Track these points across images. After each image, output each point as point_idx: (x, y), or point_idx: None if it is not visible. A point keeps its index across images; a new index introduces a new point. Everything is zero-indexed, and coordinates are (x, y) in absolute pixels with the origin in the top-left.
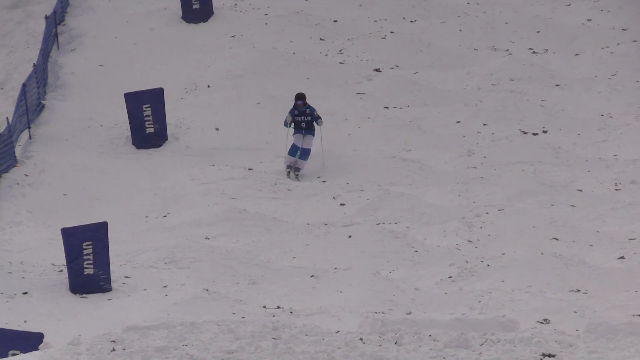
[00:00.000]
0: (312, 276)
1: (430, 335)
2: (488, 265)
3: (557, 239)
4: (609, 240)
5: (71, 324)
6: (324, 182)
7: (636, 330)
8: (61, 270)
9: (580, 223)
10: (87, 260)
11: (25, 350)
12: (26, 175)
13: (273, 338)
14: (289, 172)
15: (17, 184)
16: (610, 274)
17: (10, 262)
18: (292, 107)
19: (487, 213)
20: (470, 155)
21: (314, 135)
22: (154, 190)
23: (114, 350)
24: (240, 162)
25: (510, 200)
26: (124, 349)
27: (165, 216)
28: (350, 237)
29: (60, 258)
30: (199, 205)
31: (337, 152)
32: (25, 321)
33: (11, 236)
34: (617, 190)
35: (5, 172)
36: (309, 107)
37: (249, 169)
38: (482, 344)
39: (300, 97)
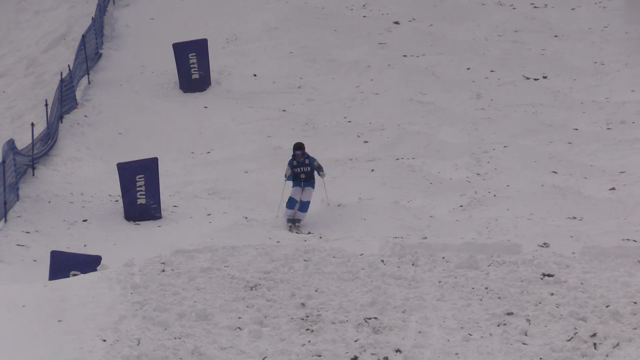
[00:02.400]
0: (339, 205)
1: (443, 258)
2: (494, 195)
3: (556, 172)
4: (602, 173)
5: (126, 248)
6: (349, 121)
7: (625, 253)
8: (117, 201)
9: (576, 158)
10: (140, 192)
11: (84, 271)
12: (85, 116)
13: (304, 260)
14: (290, 226)
15: (78, 123)
16: (602, 203)
17: (72, 193)
18: (290, 157)
19: (494, 149)
20: (479, 98)
21: (313, 187)
22: (199, 129)
23: (163, 271)
24: (275, 105)
25: (514, 138)
26: (172, 270)
27: (209, 152)
28: (372, 170)
29: (116, 189)
30: (238, 142)
31: (362, 96)
32: (85, 245)
33: (72, 170)
34: (608, 129)
35: (67, 114)
36: (309, 157)
37: (283, 111)
38: (489, 265)
39: (299, 147)
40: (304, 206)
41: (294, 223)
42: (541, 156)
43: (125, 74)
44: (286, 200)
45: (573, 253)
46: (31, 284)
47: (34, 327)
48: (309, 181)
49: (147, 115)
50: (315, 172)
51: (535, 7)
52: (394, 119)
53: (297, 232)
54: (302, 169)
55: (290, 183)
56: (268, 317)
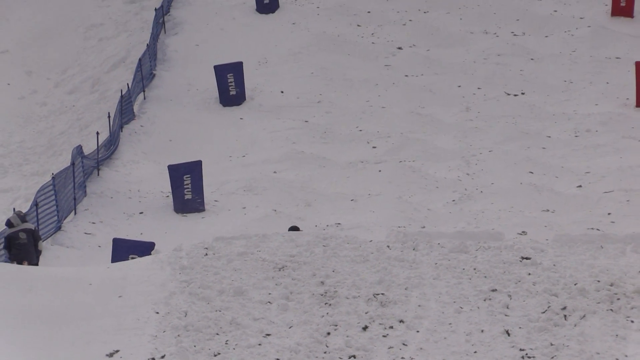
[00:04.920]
0: (352, 200)
1: (438, 243)
2: (481, 192)
3: (532, 173)
4: (570, 174)
5: (175, 235)
6: (360, 130)
7: (590, 240)
8: (167, 196)
9: (548, 161)
10: (187, 189)
11: (141, 255)
12: (141, 126)
13: (323, 245)
14: None
15: (135, 132)
16: (571, 198)
17: (130, 190)
18: None
19: (481, 153)
20: (468, 111)
21: None
22: (235, 137)
23: (206, 254)
24: (299, 116)
25: (497, 144)
26: (214, 254)
27: (244, 156)
28: (380, 171)
29: (167, 187)
30: (268, 148)
31: (371, 109)
32: (141, 233)
33: (130, 171)
34: (576, 136)
35: (127, 124)
36: None
37: (305, 121)
38: (477, 250)
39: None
40: None
41: None
42: (520, 159)
43: (174, 91)
44: None
45: (547, 240)
46: (96, 265)
47: (99, 302)
48: None
49: (192, 125)
50: None
51: (515, 35)
52: (397, 128)
53: None
54: None
55: None
56: (293, 293)
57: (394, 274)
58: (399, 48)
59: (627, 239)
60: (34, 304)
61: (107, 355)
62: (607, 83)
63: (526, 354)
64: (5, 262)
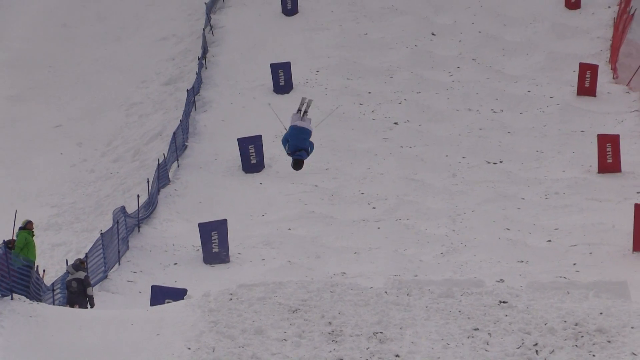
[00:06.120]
0: (355, 253)
1: (429, 290)
2: (465, 245)
3: (509, 229)
4: (541, 230)
5: (204, 283)
6: (362, 193)
7: (558, 286)
8: (198, 250)
9: (523, 219)
10: (214, 243)
11: (175, 299)
12: (175, 189)
13: (330, 291)
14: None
15: (170, 195)
16: (541, 251)
17: (166, 244)
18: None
19: (465, 213)
20: (454, 177)
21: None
22: (255, 199)
23: (231, 299)
24: (310, 181)
25: (479, 205)
26: (237, 298)
27: (263, 215)
28: (379, 228)
29: (197, 242)
30: (284, 208)
31: (371, 175)
32: (175, 281)
33: (166, 228)
34: (546, 198)
35: (163, 188)
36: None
37: (315, 186)
38: (461, 295)
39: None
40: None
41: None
42: (498, 217)
43: (204, 160)
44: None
45: (521, 286)
46: (137, 309)
47: (140, 339)
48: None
49: (219, 189)
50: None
51: (494, 112)
52: (394, 191)
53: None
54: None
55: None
56: (305, 332)
57: (391, 315)
58: (395, 123)
59: (590, 285)
60: (84, 341)
61: None
62: (573, 152)
63: None
64: (61, 304)
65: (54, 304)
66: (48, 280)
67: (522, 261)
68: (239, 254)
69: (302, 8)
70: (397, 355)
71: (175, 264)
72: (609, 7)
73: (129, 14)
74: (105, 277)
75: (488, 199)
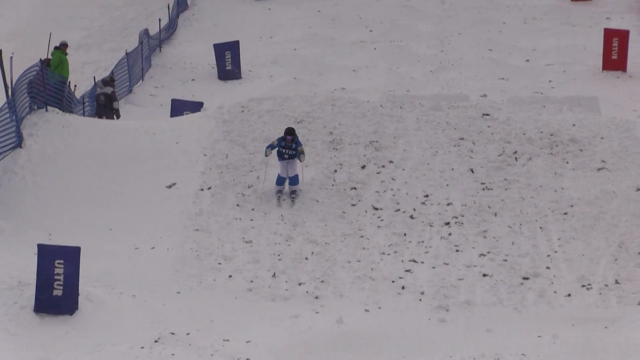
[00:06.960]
0: (353, 70)
1: (419, 103)
2: (452, 64)
3: (491, 50)
4: (520, 51)
5: (218, 97)
6: (360, 18)
7: (535, 100)
8: (213, 67)
9: (504, 40)
10: (228, 61)
11: (193, 111)
12: (193, 14)
13: (332, 105)
14: (279, 197)
15: (188, 19)
16: (521, 69)
17: (184, 62)
18: (280, 137)
19: (452, 35)
20: (443, 4)
21: (298, 158)
22: (264, 22)
23: (242, 111)
24: (314, 7)
25: (465, 28)
26: (248, 110)
27: (271, 37)
28: (375, 49)
29: (213, 60)
30: (290, 31)
31: (369, 2)
32: (192, 95)
33: (185, 48)
34: (525, 23)
35: (182, 12)
36: (297, 142)
37: (318, 11)
38: (449, 108)
39: (290, 132)
40: (294, 180)
41: (282, 195)
42: (482, 40)
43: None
44: (275, 177)
45: (502, 100)
46: (159, 119)
47: (161, 147)
48: (292, 157)
49: (232, 13)
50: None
51: None
52: (389, 16)
53: (292, 200)
54: (287, 151)
55: (275, 154)
56: (309, 140)
57: (385, 126)
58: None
59: (564, 100)
60: (111, 148)
61: (166, 187)
62: None
63: (486, 187)
64: (90, 115)
65: (84, 116)
66: (78, 94)
67: (503, 78)
68: (250, 71)
69: None
70: (390, 161)
71: (193, 79)
72: None
73: None
74: (130, 91)
75: (473, 23)
